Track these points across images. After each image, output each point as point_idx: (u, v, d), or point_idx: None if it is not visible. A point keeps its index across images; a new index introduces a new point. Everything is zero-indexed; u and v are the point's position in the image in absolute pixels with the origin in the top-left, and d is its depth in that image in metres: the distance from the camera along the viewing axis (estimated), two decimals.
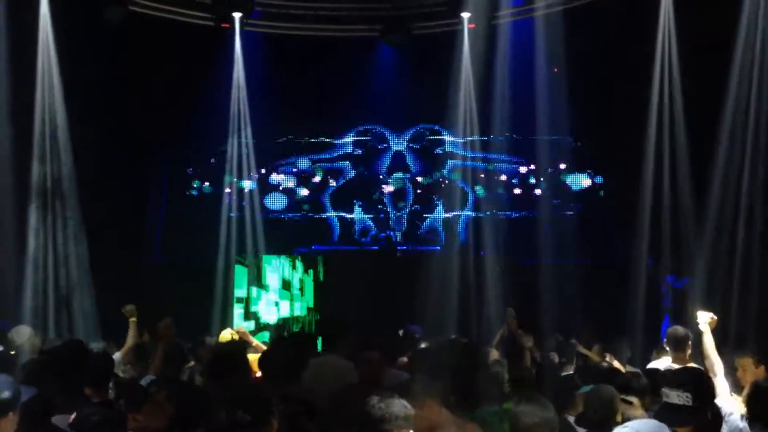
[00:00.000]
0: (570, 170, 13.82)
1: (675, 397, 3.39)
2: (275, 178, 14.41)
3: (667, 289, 10.67)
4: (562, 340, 8.62)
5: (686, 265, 10.15)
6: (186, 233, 13.15)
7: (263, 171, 14.21)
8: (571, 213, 13.54)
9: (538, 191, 13.90)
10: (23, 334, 7.02)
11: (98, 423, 3.80)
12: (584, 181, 13.80)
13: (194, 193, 14.16)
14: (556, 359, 7.69)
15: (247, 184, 13.85)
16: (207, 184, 14.12)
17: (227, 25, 12.67)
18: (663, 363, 6.30)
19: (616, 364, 7.08)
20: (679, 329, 6.26)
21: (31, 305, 10.18)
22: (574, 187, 13.84)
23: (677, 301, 10.37)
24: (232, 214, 13.50)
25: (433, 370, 5.00)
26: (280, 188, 14.47)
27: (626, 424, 3.06)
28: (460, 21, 12.44)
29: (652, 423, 3.10)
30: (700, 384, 3.48)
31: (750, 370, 5.63)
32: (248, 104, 13.06)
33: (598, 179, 13.76)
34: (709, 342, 4.99)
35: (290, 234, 14.08)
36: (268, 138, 14.05)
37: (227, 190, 13.65)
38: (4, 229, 9.56)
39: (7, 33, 9.86)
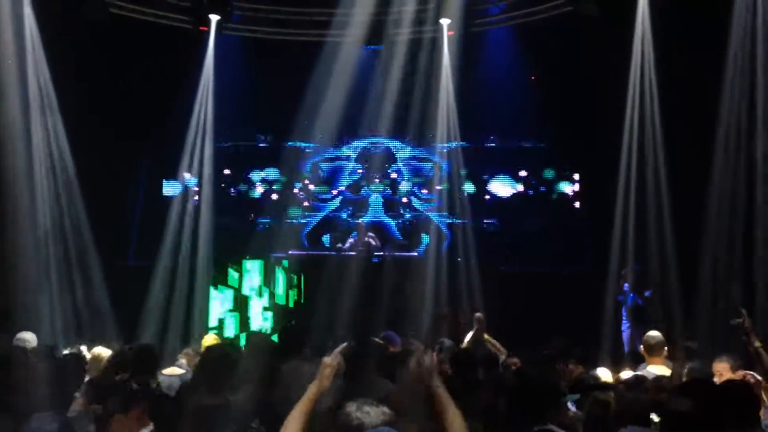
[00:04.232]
0: (548, 176, 13.91)
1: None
2: (251, 181, 14.35)
3: (630, 300, 10.61)
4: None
5: (650, 275, 10.22)
6: (161, 237, 13.01)
7: (238, 174, 14.15)
8: (546, 221, 13.62)
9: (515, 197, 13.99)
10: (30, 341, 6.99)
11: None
12: (565, 188, 13.88)
13: (169, 196, 14.03)
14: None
15: (208, 188, 13.64)
16: (181, 187, 13.99)
17: (206, 29, 12.61)
18: (640, 369, 6.35)
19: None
20: (653, 335, 6.34)
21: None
22: (553, 194, 13.91)
23: (642, 311, 10.38)
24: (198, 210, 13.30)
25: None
26: (256, 192, 14.43)
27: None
28: (439, 28, 12.50)
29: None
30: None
31: (726, 376, 5.55)
32: (217, 107, 12.88)
33: (575, 186, 13.84)
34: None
35: (266, 238, 13.98)
36: (246, 141, 14.01)
37: (197, 193, 13.47)
38: None
39: None
